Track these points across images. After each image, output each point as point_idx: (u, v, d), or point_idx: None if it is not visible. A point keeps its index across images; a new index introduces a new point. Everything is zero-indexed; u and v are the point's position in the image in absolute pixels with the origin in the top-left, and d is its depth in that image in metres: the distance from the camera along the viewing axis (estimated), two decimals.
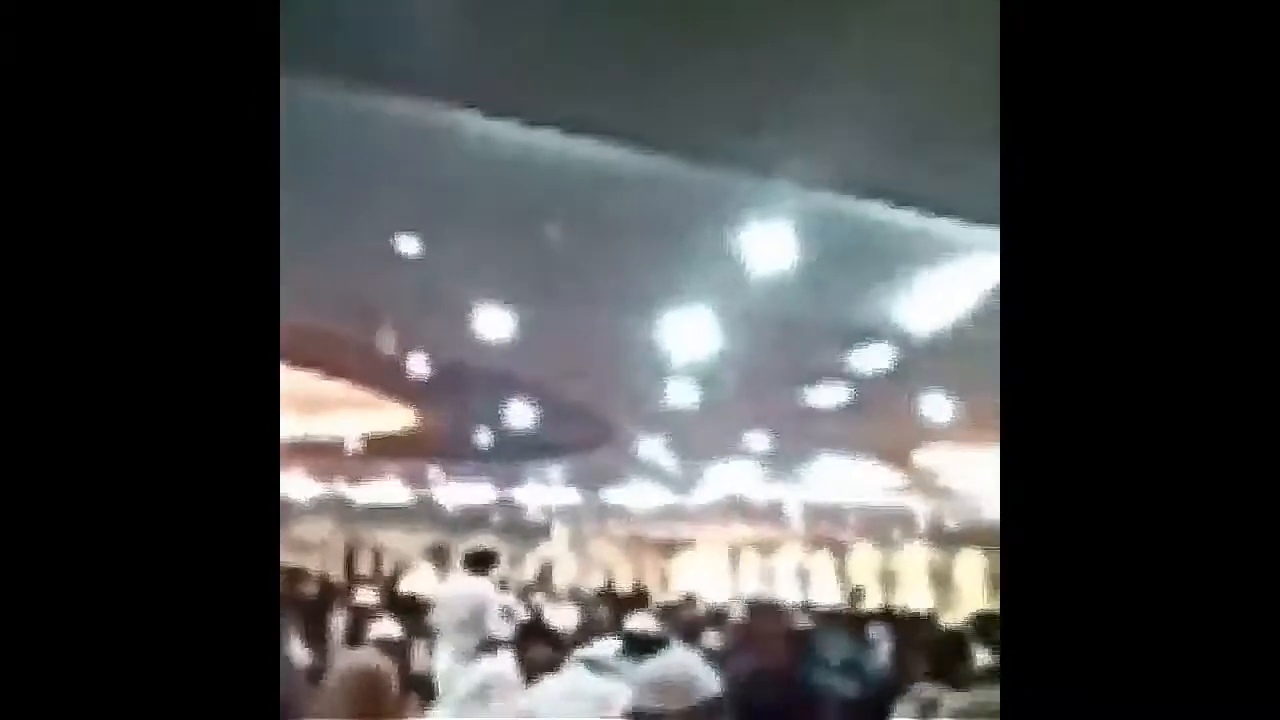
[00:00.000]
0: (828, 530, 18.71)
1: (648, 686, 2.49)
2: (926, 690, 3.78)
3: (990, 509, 14.25)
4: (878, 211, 4.91)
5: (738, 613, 8.16)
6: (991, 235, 5.01)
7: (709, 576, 20.49)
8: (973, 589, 16.53)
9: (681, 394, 8.99)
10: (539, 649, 3.60)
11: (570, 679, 3.48)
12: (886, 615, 9.66)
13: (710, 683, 2.48)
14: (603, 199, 5.08)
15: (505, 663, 3.69)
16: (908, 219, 4.96)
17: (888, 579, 18.39)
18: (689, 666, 2.55)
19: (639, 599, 9.44)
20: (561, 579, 18.67)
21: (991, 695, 3.57)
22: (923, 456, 11.62)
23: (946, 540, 17.24)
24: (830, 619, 7.97)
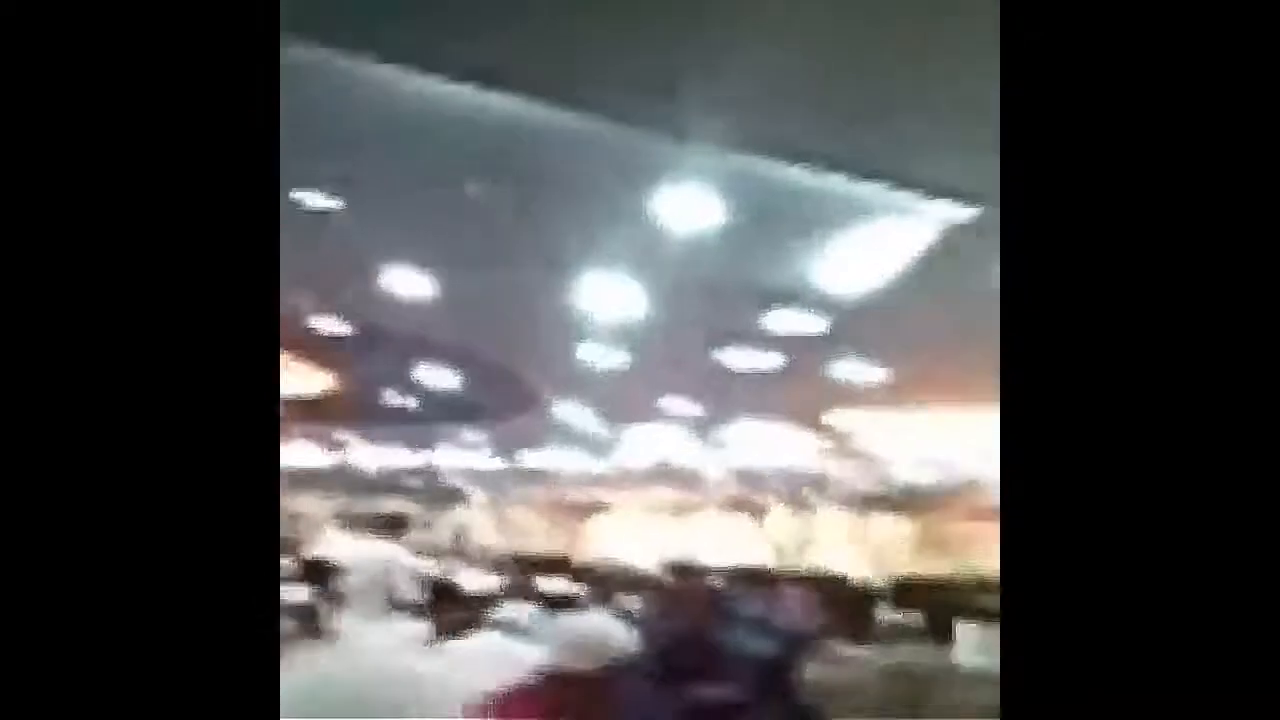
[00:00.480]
0: (748, 493, 18.92)
1: (563, 646, 2.48)
2: (840, 648, 3.82)
3: (905, 472, 14.55)
4: (801, 176, 4.91)
5: (657, 575, 8.19)
6: (911, 200, 5.07)
7: (629, 539, 20.58)
8: (889, 551, 16.86)
9: (602, 357, 8.96)
10: (451, 612, 3.55)
11: (483, 641, 3.45)
12: (804, 576, 9.77)
13: (624, 641, 2.47)
14: (523, 159, 5.00)
15: (416, 626, 3.63)
16: (832, 183, 4.97)
17: (806, 541, 18.66)
18: (603, 626, 2.55)
19: (557, 562, 9.42)
20: (478, 543, 18.58)
21: (902, 652, 3.63)
22: (841, 420, 11.76)
23: (864, 503, 17.55)
24: (748, 580, 8.04)
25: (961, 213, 5.15)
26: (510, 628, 3.68)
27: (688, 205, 5.27)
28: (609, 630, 2.55)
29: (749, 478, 17.09)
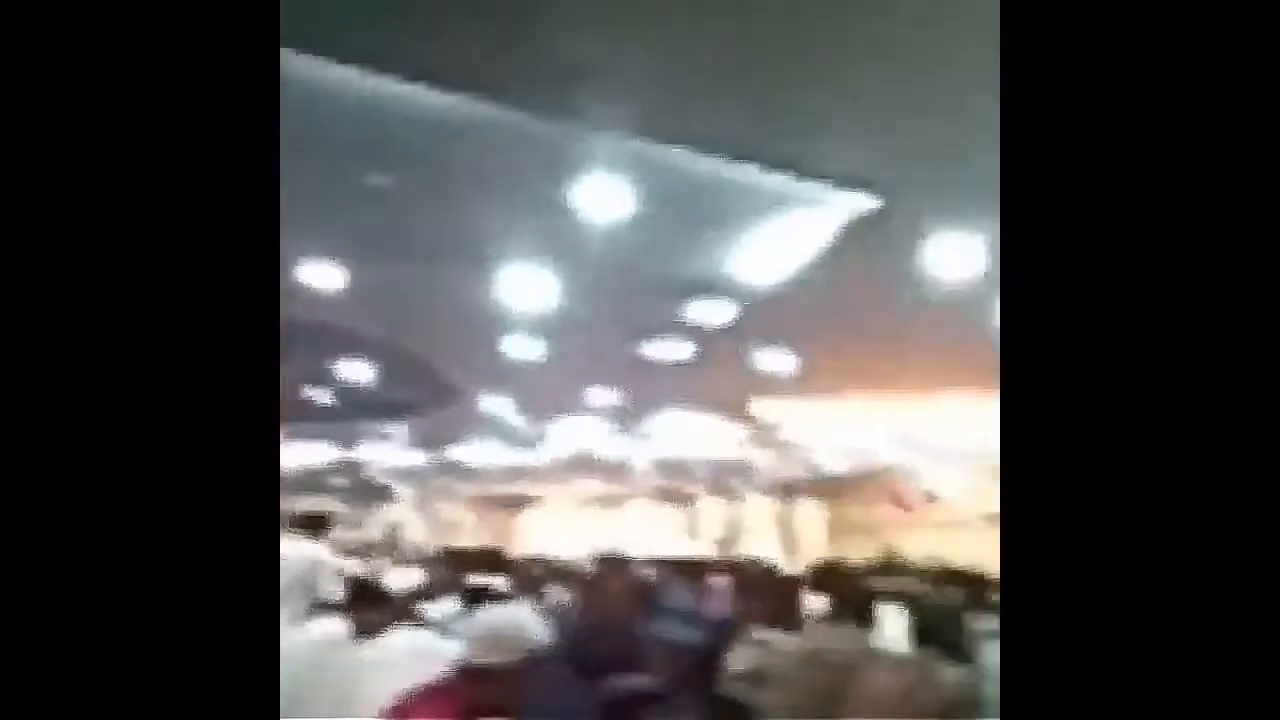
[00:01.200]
0: (673, 483, 18.98)
1: (477, 640, 2.47)
2: (762, 635, 3.86)
3: (825, 459, 14.72)
4: (715, 166, 4.94)
5: (583, 567, 8.18)
6: (819, 190, 5.12)
7: (555, 533, 20.55)
8: (811, 538, 17.06)
9: (524, 350, 8.91)
10: (373, 611, 3.51)
11: (407, 639, 3.42)
12: (728, 565, 9.81)
13: (540, 634, 2.47)
14: (438, 150, 4.95)
15: (337, 625, 3.58)
16: (744, 173, 5.01)
17: (733, 529, 18.79)
18: (518, 618, 2.54)
19: (485, 557, 9.35)
20: (405, 540, 18.36)
21: (822, 636, 3.68)
22: (762, 409, 11.85)
23: (786, 491, 17.71)
24: (673, 570, 8.07)
25: (868, 203, 5.25)
26: (439, 625, 3.66)
27: (604, 197, 5.26)
28: (523, 622, 2.54)
29: (674, 468, 17.14)
